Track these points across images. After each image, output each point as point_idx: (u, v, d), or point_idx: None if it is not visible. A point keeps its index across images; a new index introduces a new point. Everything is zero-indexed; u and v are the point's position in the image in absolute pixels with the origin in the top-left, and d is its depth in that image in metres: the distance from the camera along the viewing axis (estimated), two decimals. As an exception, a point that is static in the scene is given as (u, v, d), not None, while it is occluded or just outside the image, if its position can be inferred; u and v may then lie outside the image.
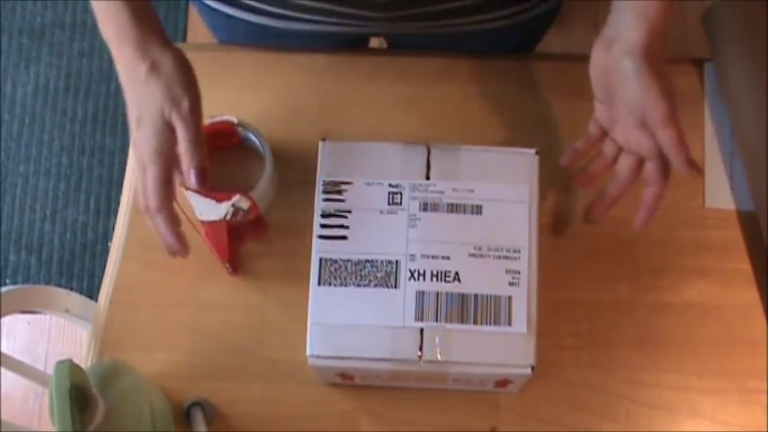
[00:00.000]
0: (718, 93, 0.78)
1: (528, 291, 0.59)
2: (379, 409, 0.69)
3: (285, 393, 0.70)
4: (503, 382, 0.62)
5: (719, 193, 0.75)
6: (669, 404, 0.69)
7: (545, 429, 0.69)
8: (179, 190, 0.70)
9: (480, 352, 0.58)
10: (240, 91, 0.79)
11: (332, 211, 0.58)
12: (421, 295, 0.58)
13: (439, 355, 0.57)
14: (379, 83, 0.78)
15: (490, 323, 0.58)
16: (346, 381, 0.65)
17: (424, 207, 0.59)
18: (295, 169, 0.75)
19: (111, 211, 1.55)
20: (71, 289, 1.12)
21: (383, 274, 0.58)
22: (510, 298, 0.58)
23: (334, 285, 0.58)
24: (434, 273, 0.58)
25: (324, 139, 0.61)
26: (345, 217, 0.58)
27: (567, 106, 0.77)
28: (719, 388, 0.69)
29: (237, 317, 0.72)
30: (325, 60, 0.80)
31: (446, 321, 0.57)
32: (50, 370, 0.54)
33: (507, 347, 0.58)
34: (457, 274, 0.58)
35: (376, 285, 0.58)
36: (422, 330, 0.57)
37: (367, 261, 0.58)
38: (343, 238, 0.58)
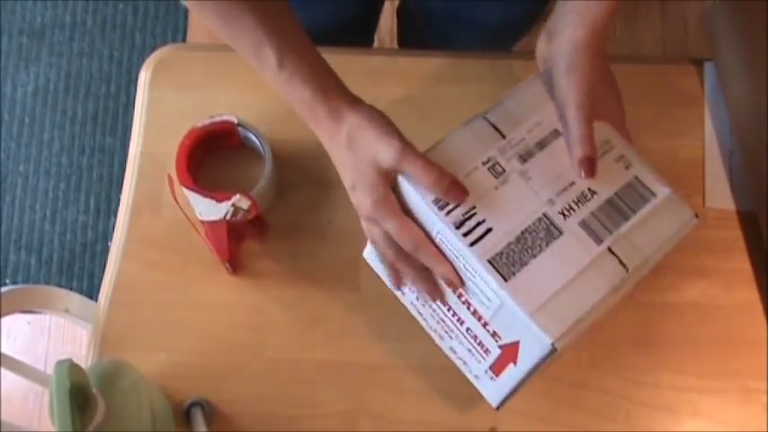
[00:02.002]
0: (718, 93, 0.78)
1: (642, 162, 0.63)
2: (379, 409, 0.69)
3: (285, 393, 0.70)
4: (507, 357, 0.61)
5: (719, 193, 0.75)
6: (669, 404, 0.69)
7: (545, 429, 0.69)
8: (179, 189, 0.70)
9: (659, 231, 0.60)
10: (240, 91, 0.79)
11: (461, 218, 0.58)
12: (584, 224, 0.60)
13: (638, 256, 0.59)
14: (379, 83, 0.78)
15: (643, 206, 0.61)
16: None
17: (522, 159, 0.61)
18: (295, 169, 0.75)
19: (111, 211, 1.55)
20: (71, 289, 1.12)
21: (544, 232, 0.59)
22: (636, 177, 0.62)
23: (517, 271, 0.58)
24: (576, 201, 0.60)
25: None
26: (475, 214, 0.58)
27: (567, 106, 0.77)
28: (720, 388, 0.70)
29: (237, 317, 0.72)
30: (329, 59, 0.80)
31: (617, 228, 0.60)
32: (50, 370, 0.54)
33: (671, 213, 0.61)
34: (590, 189, 0.61)
35: (547, 244, 0.58)
36: (610, 249, 0.59)
37: (523, 232, 0.58)
38: (489, 230, 0.58)
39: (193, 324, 0.72)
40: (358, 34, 1.03)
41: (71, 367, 0.53)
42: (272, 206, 0.74)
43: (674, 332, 0.71)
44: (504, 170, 0.60)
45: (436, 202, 0.58)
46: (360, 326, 0.71)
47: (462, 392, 0.69)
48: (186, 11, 1.67)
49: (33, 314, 1.33)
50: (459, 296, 0.60)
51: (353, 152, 0.59)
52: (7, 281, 1.53)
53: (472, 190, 0.58)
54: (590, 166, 0.59)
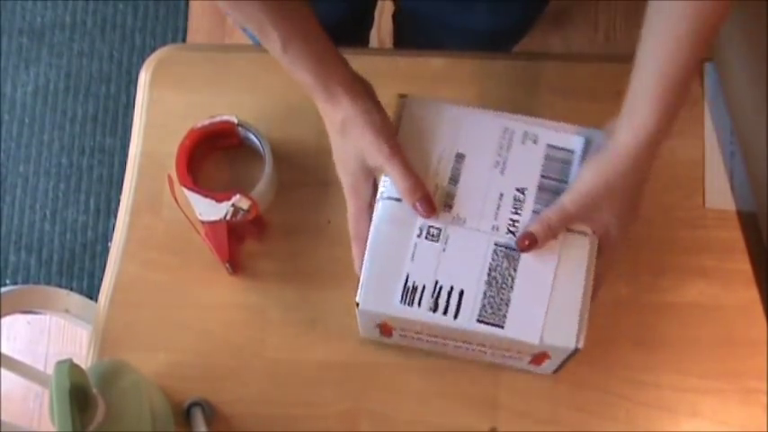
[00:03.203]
0: (718, 93, 0.78)
1: (544, 123, 0.63)
2: (379, 408, 0.69)
3: (285, 393, 0.70)
4: (540, 357, 0.63)
5: (719, 193, 0.75)
6: (669, 404, 0.69)
7: (545, 429, 0.69)
8: (179, 189, 0.70)
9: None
10: (240, 91, 0.79)
11: (432, 301, 0.59)
12: None
13: None
14: (378, 83, 0.78)
15: (570, 168, 0.61)
16: (385, 335, 0.66)
17: (447, 206, 0.61)
18: (295, 169, 0.75)
19: (111, 211, 1.55)
20: (71, 289, 1.12)
21: (506, 261, 0.59)
22: (549, 145, 0.62)
23: (506, 312, 0.58)
24: (514, 211, 0.61)
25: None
26: (441, 286, 0.59)
27: (567, 106, 0.77)
28: (719, 388, 0.69)
29: (237, 317, 0.72)
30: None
31: None
32: (50, 370, 0.54)
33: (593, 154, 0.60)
34: (518, 189, 0.61)
35: (515, 269, 0.59)
36: (567, 230, 0.60)
37: (489, 274, 0.59)
38: (462, 293, 0.59)
39: (193, 324, 0.72)
40: (349, 38, 1.03)
41: (71, 367, 0.53)
42: (272, 206, 0.74)
43: (674, 332, 0.71)
44: (438, 229, 0.60)
45: (404, 301, 0.59)
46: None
47: (462, 393, 0.69)
48: (186, 11, 1.67)
49: (33, 314, 1.33)
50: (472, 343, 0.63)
51: (344, 140, 0.60)
52: (7, 281, 1.53)
53: (425, 266, 0.59)
54: (528, 241, 0.58)
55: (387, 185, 0.61)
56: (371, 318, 0.62)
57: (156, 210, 0.75)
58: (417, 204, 0.59)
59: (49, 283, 1.52)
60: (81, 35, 1.66)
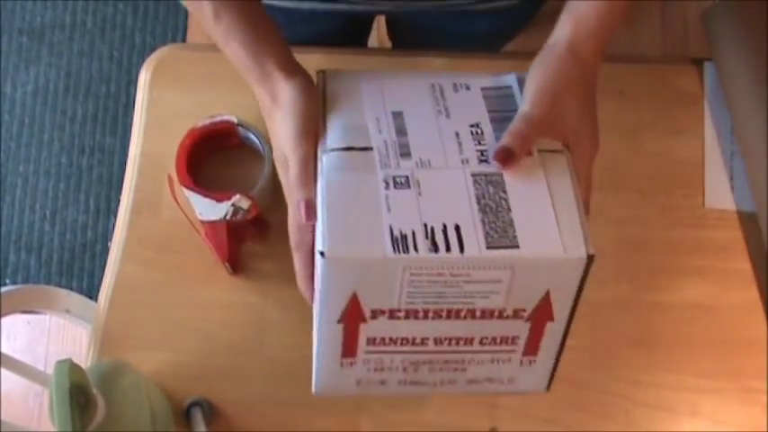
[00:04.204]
0: (718, 93, 0.78)
1: (471, 74, 0.59)
2: (379, 409, 0.69)
3: (285, 393, 0.70)
4: (539, 322, 0.55)
5: (719, 193, 0.75)
6: (669, 404, 0.69)
7: (545, 429, 0.69)
8: (179, 189, 0.70)
9: None
10: (240, 91, 0.79)
11: (430, 240, 0.51)
12: None
13: None
14: (378, 83, 0.78)
15: (513, 101, 0.58)
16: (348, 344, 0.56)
17: (405, 155, 0.55)
18: (295, 169, 0.75)
19: (111, 211, 1.55)
20: (71, 289, 1.12)
21: (491, 186, 0.54)
22: (482, 88, 0.59)
23: (515, 232, 0.51)
24: (477, 142, 0.56)
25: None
26: (433, 226, 0.52)
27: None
28: (719, 388, 0.69)
29: (237, 317, 0.72)
30: (324, 60, 0.80)
31: None
32: (50, 370, 0.54)
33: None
34: (471, 125, 0.57)
35: (504, 191, 0.53)
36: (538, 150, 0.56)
37: (479, 203, 0.53)
38: (458, 227, 0.51)
39: (193, 324, 0.72)
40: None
41: (71, 367, 0.53)
42: (271, 206, 0.74)
43: (673, 332, 0.71)
44: (405, 177, 0.54)
45: (397, 249, 0.50)
46: (360, 326, 0.71)
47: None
48: (186, 11, 1.67)
49: (33, 314, 1.33)
50: (460, 316, 0.54)
51: (270, 123, 0.58)
52: (7, 281, 1.53)
53: (406, 213, 0.52)
54: (505, 154, 0.53)
55: (329, 136, 0.56)
56: (343, 282, 0.51)
57: (155, 210, 0.75)
58: (299, 204, 0.54)
59: (48, 283, 1.52)
60: (81, 35, 1.66)
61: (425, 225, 0.51)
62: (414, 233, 0.51)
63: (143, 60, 0.81)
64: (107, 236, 1.54)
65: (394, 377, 0.56)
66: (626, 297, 0.72)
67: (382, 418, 0.69)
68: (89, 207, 1.56)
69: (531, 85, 0.56)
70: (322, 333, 0.54)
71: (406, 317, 0.53)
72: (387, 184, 0.53)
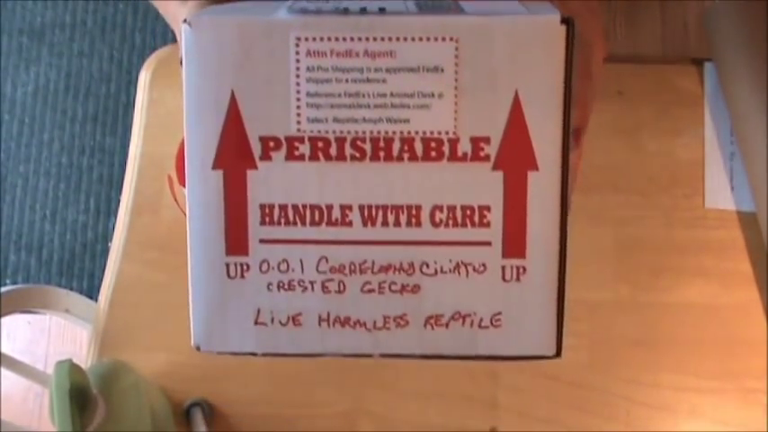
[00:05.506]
0: (718, 93, 0.78)
1: None
2: (379, 409, 0.69)
3: (285, 393, 0.70)
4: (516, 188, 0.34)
5: (719, 193, 0.75)
6: (669, 404, 0.69)
7: (545, 429, 0.69)
8: (179, 189, 0.70)
9: None
10: (240, 91, 0.79)
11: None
12: None
13: None
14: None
15: None
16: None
17: None
18: (295, 169, 0.75)
19: (111, 211, 1.55)
20: (71, 289, 1.12)
21: None
22: None
23: None
24: None
25: None
26: None
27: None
28: (719, 388, 0.69)
29: (237, 317, 0.72)
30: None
31: None
32: (50, 370, 0.54)
33: None
34: None
35: None
36: None
37: None
38: None
39: (193, 324, 0.72)
40: None
41: (71, 367, 0.53)
42: (271, 206, 0.74)
43: (673, 332, 0.71)
44: None
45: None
46: (360, 326, 0.71)
47: (462, 393, 0.69)
48: (186, 11, 1.67)
49: (33, 314, 1.33)
50: (391, 156, 0.34)
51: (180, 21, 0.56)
52: (7, 281, 1.53)
53: None
54: None
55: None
56: (216, 69, 0.33)
57: (155, 210, 0.75)
58: None
59: (48, 283, 1.52)
60: (81, 35, 1.66)
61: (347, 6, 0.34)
62: (318, 5, 0.34)
63: (143, 60, 0.81)
64: (107, 236, 1.54)
65: (311, 307, 0.35)
66: (626, 297, 0.72)
67: (382, 418, 0.69)
68: (89, 207, 1.56)
69: None
70: (194, 207, 0.34)
71: (313, 156, 0.34)
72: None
